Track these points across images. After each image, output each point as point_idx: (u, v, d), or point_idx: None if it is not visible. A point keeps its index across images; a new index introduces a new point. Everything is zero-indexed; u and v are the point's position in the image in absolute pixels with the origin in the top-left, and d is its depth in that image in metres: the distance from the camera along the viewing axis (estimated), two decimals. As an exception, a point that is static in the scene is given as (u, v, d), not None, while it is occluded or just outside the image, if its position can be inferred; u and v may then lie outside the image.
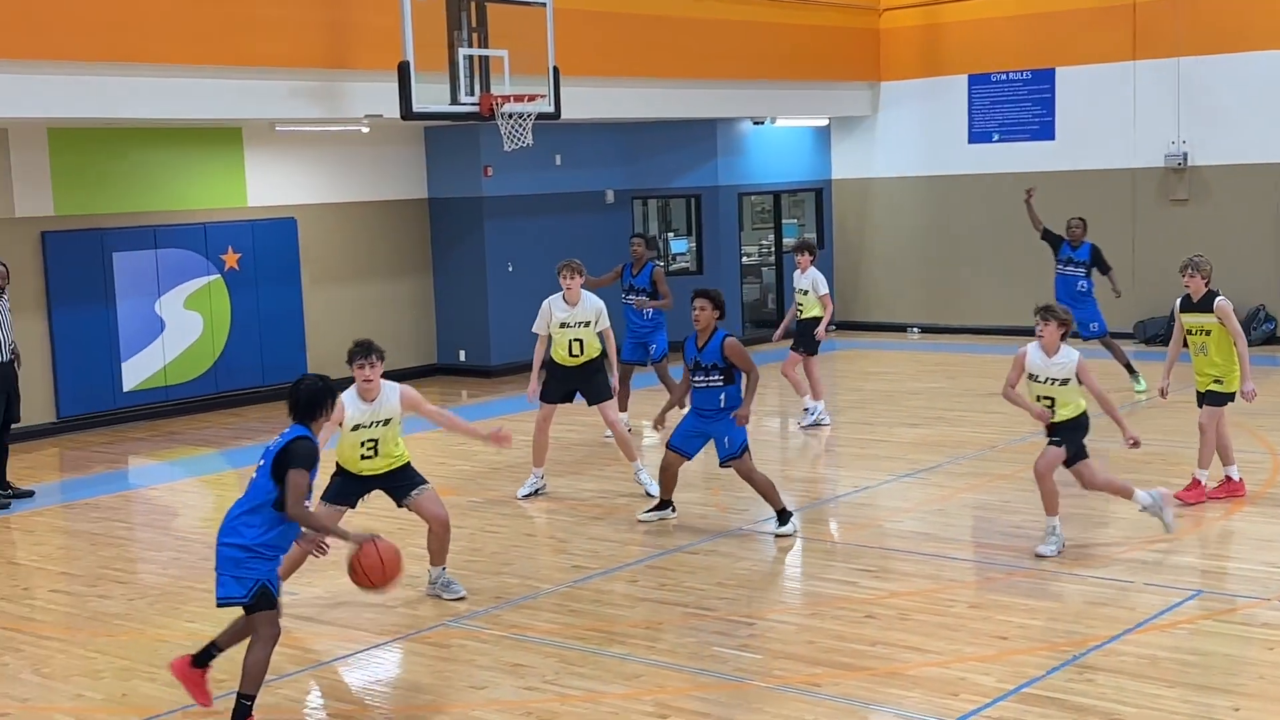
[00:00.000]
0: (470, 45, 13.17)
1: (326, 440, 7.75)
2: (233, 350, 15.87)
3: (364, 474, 8.37)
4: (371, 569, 6.91)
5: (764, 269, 20.85)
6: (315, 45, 13.49)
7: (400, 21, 12.44)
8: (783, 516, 9.68)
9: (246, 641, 6.63)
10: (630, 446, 11.01)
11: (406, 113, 12.70)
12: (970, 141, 19.86)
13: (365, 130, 15.77)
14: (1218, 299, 9.85)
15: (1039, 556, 8.81)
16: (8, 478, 11.68)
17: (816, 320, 13.40)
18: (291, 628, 8.22)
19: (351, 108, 13.94)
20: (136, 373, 15.12)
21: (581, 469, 12.14)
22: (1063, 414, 8.82)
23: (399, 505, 8.51)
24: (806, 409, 13.62)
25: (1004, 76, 19.44)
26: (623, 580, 8.74)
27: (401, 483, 8.44)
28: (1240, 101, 17.70)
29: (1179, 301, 10.12)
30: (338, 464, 8.42)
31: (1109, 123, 18.64)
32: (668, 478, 9.92)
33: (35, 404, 13.69)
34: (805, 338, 13.45)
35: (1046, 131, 19.18)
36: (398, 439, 8.40)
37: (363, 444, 8.27)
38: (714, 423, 9.52)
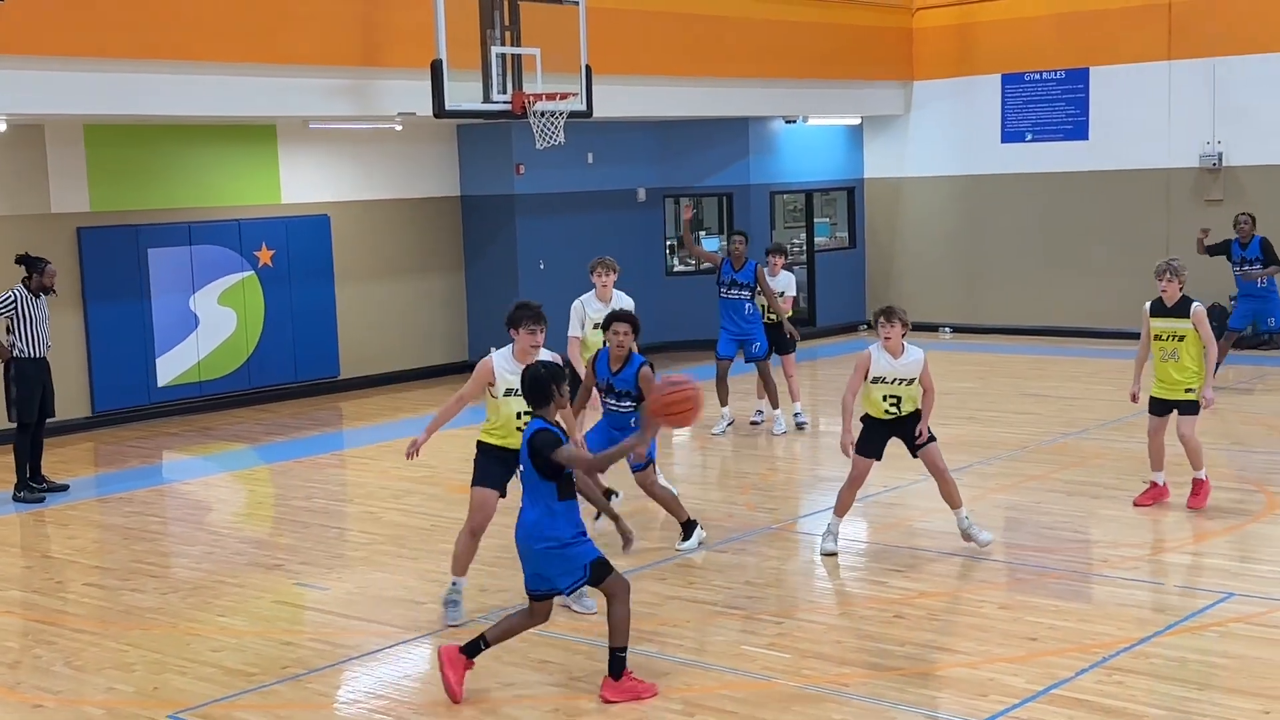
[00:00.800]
0: (502, 43, 13.21)
1: (470, 398, 7.78)
2: (266, 346, 15.97)
3: (512, 448, 7.84)
4: (675, 404, 6.60)
5: (796, 267, 20.81)
6: (349, 43, 13.57)
7: (434, 19, 12.49)
8: (688, 529, 9.41)
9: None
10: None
11: (439, 110, 12.75)
12: (1003, 141, 19.77)
13: (398, 128, 15.84)
14: (1194, 305, 9.71)
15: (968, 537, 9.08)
16: (43, 472, 11.80)
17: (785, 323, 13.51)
18: (321, 623, 8.30)
19: (385, 105, 14.01)
20: (171, 368, 15.24)
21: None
22: (907, 409, 8.97)
23: None
24: (760, 410, 13.78)
25: (1037, 76, 19.34)
26: (651, 578, 8.75)
27: None
28: (1276, 102, 17.55)
29: (1149, 305, 9.94)
30: (480, 443, 8.10)
31: (1143, 123, 18.52)
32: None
33: (70, 399, 13.83)
34: (781, 340, 13.47)
35: (1080, 131, 19.07)
36: None
37: (519, 414, 7.80)
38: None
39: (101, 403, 14.77)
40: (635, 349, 9.08)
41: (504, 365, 7.97)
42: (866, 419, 9.14)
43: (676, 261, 19.74)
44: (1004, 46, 19.57)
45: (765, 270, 13.38)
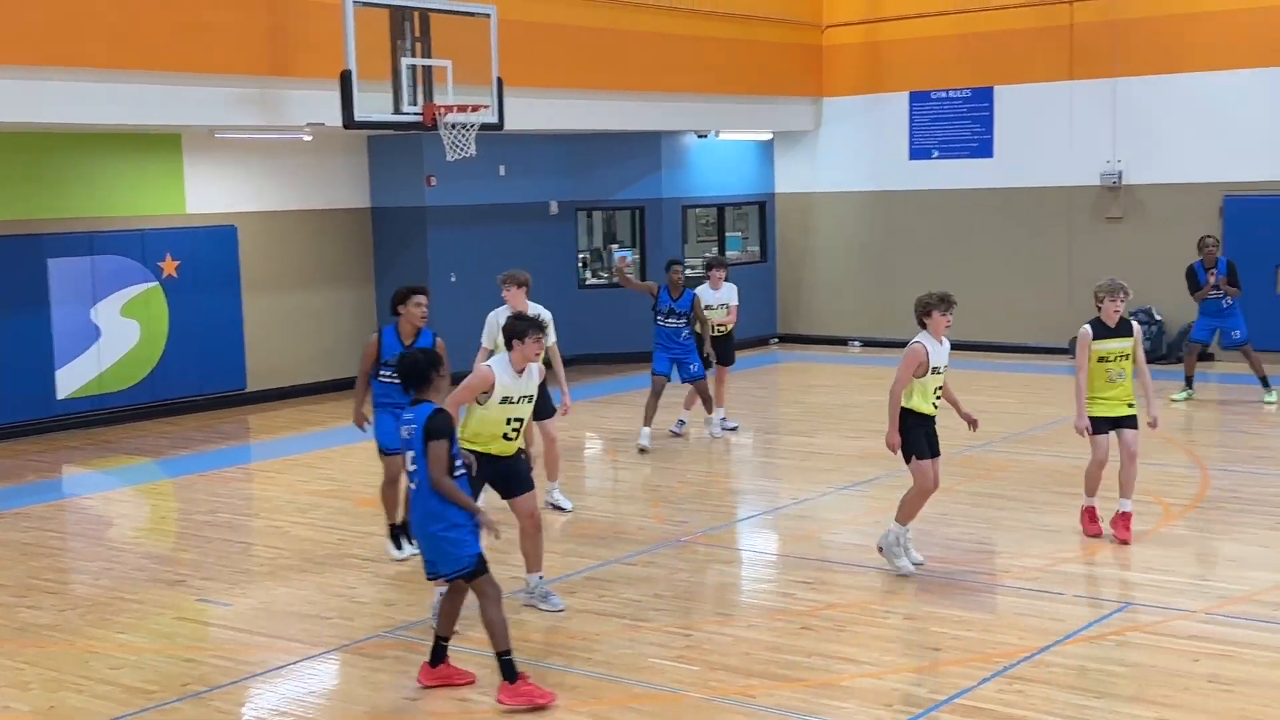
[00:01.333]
0: (413, 55, 13.14)
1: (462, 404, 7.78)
2: (170, 358, 15.71)
3: (496, 455, 7.94)
4: None
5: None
6: (256, 52, 13.41)
7: (343, 29, 12.39)
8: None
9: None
10: (556, 466, 10.91)
11: (348, 121, 12.65)
12: (911, 158, 20.07)
13: (307, 138, 15.69)
14: (1134, 323, 9.68)
15: None
16: (-63, 486, 11.51)
17: (729, 335, 13.83)
18: (224, 639, 8.17)
19: (293, 115, 13.87)
20: (71, 380, 14.93)
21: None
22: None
23: (505, 498, 8.21)
24: (682, 420, 13.96)
25: (944, 94, 19.66)
26: (561, 592, 8.73)
27: (518, 473, 8.14)
28: (1174, 122, 18.01)
29: (1090, 328, 9.47)
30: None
31: (1046, 141, 18.90)
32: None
33: (-34, 411, 13.49)
34: (726, 351, 13.81)
35: (985, 149, 19.42)
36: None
37: (509, 421, 7.90)
38: None
39: (-1, 416, 14.45)
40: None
41: (504, 375, 7.89)
42: (912, 416, 8.80)
43: (589, 274, 19.76)
44: (911, 65, 19.88)
45: (708, 284, 13.72)
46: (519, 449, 8.23)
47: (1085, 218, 18.74)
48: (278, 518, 11.06)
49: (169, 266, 15.63)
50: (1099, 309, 9.53)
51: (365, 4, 12.63)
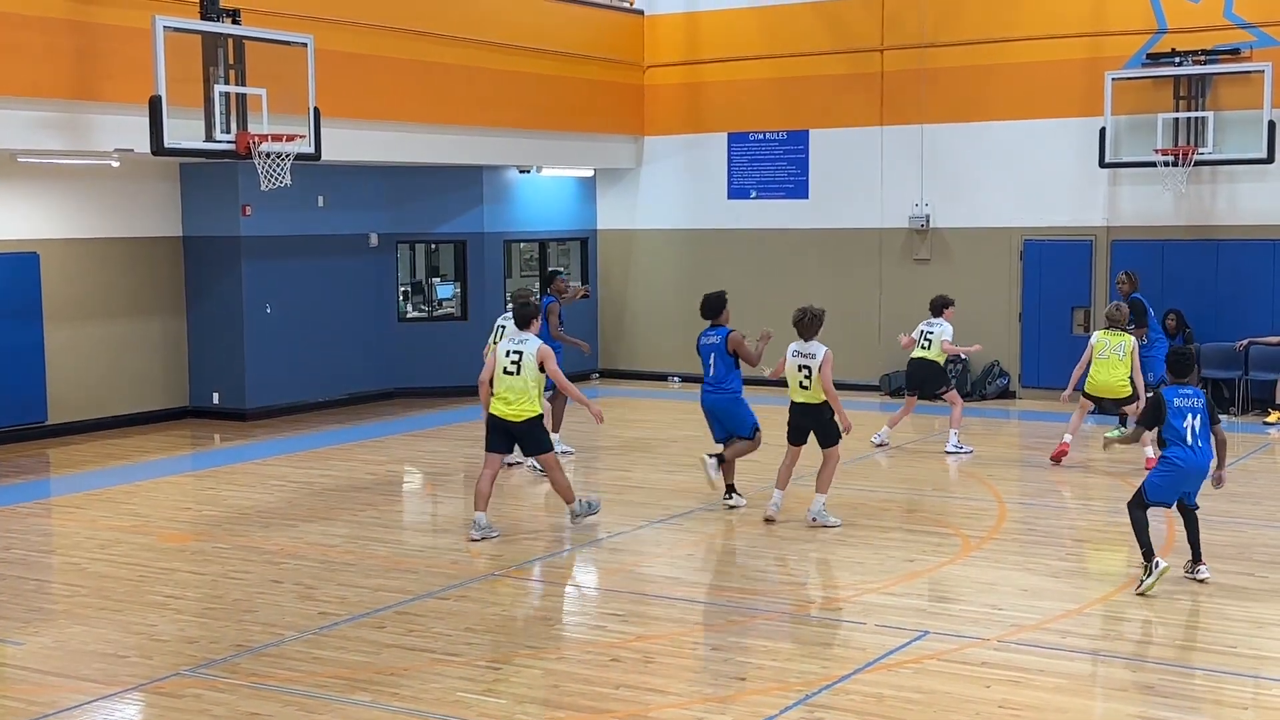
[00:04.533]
0: (227, 82, 12.92)
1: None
2: (-35, 389, 15.07)
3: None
4: None
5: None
6: (62, 75, 13.02)
7: (152, 55, 12.11)
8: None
9: None
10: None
11: (158, 148, 12.35)
12: (730, 197, 20.47)
13: (115, 164, 15.25)
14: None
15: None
16: None
17: None
18: (15, 679, 7.87)
19: (100, 140, 13.49)
20: None
21: (333, 513, 11.96)
22: None
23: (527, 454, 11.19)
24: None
25: (761, 136, 20.13)
26: (370, 626, 8.64)
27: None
28: (978, 168, 18.77)
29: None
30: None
31: (858, 184, 19.49)
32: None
33: None
34: None
35: (801, 190, 19.92)
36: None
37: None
38: None
39: None
40: None
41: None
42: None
43: (409, 308, 19.62)
44: (730, 106, 20.31)
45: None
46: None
47: (895, 259, 19.36)
48: (75, 554, 10.68)
49: (-35, 293, 15.02)
50: None
51: (176, 29, 12.38)
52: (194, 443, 16.08)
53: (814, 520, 11.23)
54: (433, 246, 20.24)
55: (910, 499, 12.46)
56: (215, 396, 17.35)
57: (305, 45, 13.37)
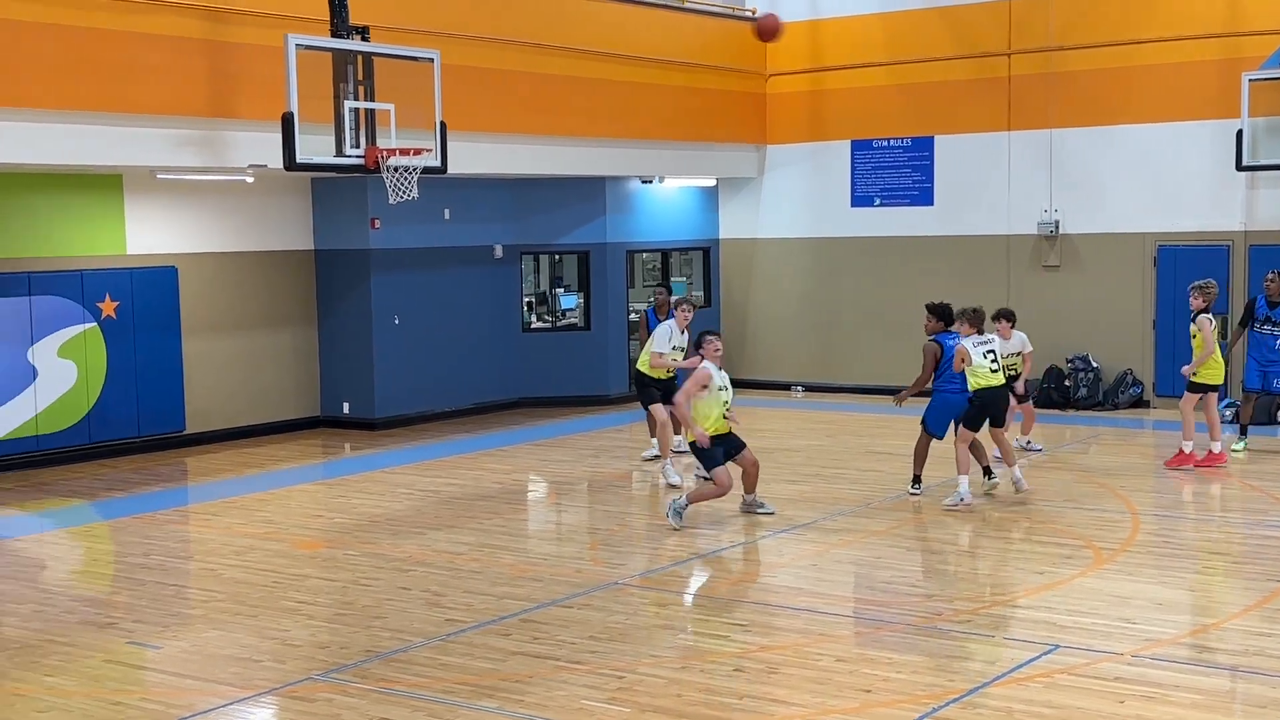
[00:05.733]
0: (356, 98, 13.18)
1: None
2: (108, 400, 15.57)
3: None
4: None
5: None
6: (199, 93, 13.41)
7: (285, 72, 12.42)
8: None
9: None
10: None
11: (290, 163, 12.65)
12: (853, 205, 20.31)
13: (250, 180, 15.67)
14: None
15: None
16: None
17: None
18: (154, 682, 8.11)
19: (235, 157, 13.86)
20: (5, 422, 14.75)
21: (460, 521, 12.12)
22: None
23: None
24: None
25: (885, 143, 19.95)
26: (495, 634, 8.73)
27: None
28: (1109, 172, 18.36)
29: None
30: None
31: (985, 190, 19.21)
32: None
33: (-102, 452, 13.31)
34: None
35: (926, 197, 19.69)
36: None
37: (725, 403, 11.42)
38: None
39: (-69, 457, 14.26)
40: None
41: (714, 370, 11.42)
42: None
43: (534, 318, 19.82)
44: (853, 114, 20.16)
45: (997, 334, 13.53)
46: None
47: (1023, 265, 19.03)
48: (212, 560, 10.97)
49: (108, 307, 15.53)
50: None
51: (308, 47, 12.67)
52: (325, 452, 16.43)
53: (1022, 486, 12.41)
54: (556, 257, 20.42)
55: (1039, 510, 12.21)
56: (345, 406, 17.71)
57: (432, 61, 13.58)
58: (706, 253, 21.36)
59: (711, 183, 21.09)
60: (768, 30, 15.07)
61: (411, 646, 8.52)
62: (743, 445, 11.85)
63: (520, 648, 8.47)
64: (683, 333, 14.00)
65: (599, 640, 8.64)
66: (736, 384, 21.26)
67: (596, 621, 9.04)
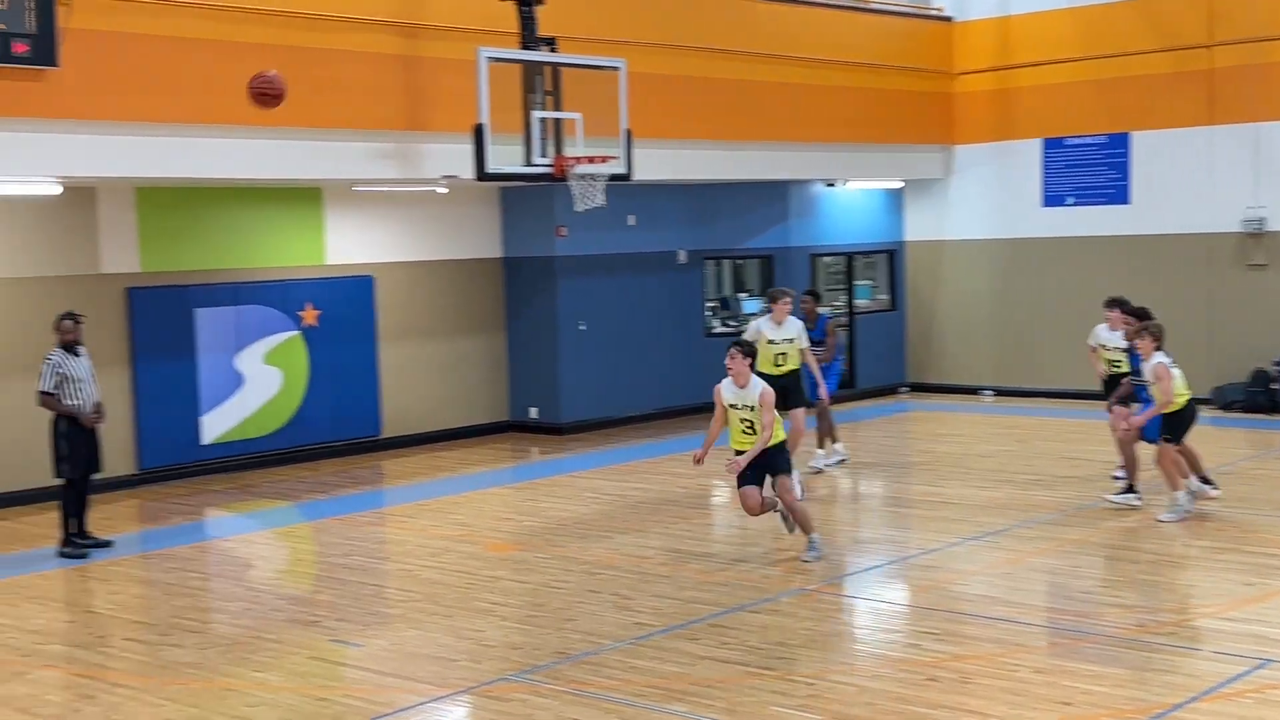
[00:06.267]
0: (544, 108, 13.41)
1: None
2: (310, 405, 16.16)
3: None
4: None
5: (837, 329, 20.81)
6: (393, 108, 13.83)
7: (476, 85, 12.71)
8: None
9: None
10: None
11: (481, 173, 12.95)
12: (1044, 205, 19.80)
13: (442, 190, 16.08)
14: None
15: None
16: (87, 528, 11.96)
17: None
18: (356, 679, 8.36)
19: (428, 168, 14.24)
20: (216, 426, 15.44)
21: (647, 525, 12.20)
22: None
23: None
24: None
25: (1078, 140, 19.40)
26: (684, 638, 8.76)
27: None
28: (1320, 166, 17.53)
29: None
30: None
31: (1185, 187, 18.51)
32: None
33: (117, 456, 14.02)
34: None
35: (1121, 195, 19.08)
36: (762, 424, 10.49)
37: (741, 421, 10.65)
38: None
39: (148, 460, 14.98)
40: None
41: (727, 390, 10.81)
42: None
43: (718, 323, 19.84)
44: (1044, 111, 19.66)
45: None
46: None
47: (1225, 265, 18.29)
48: (409, 561, 11.28)
49: (309, 315, 16.12)
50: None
51: (498, 60, 12.94)
52: (514, 456, 16.74)
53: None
54: (739, 262, 20.40)
55: (1247, 519, 11.71)
56: (533, 411, 18.01)
57: (618, 69, 13.73)
58: (891, 255, 21.08)
59: (898, 185, 20.81)
60: (265, 95, 12.06)
61: (602, 649, 8.62)
62: (781, 470, 10.71)
63: (709, 652, 8.49)
64: (779, 325, 13.24)
65: (787, 646, 8.60)
66: (922, 388, 21.15)
67: (785, 628, 9.00)
